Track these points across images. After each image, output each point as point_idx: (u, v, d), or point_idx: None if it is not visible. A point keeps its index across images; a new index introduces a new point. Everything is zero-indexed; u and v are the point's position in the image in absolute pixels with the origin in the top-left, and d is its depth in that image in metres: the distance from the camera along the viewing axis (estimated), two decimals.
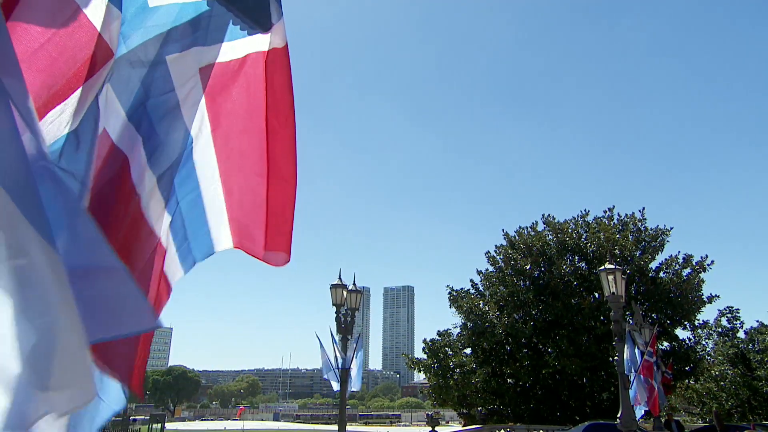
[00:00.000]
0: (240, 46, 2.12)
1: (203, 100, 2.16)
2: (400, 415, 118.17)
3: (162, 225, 2.21)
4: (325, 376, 15.57)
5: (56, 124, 1.62)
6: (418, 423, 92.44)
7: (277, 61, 2.18)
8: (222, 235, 2.46)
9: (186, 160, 2.23)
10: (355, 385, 15.95)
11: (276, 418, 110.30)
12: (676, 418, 25.60)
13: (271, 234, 2.31)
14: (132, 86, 1.95)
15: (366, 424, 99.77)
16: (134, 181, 1.99)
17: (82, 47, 1.68)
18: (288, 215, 2.31)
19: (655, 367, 16.21)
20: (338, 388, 15.11)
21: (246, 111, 2.24)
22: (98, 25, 1.70)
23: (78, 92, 1.66)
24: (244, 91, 2.23)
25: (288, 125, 2.25)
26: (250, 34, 2.05)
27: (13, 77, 1.13)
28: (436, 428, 28.75)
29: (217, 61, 2.12)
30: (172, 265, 2.42)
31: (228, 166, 2.32)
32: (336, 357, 15.08)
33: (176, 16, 1.96)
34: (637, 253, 30.03)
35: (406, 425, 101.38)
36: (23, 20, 1.50)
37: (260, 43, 2.12)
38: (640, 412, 14.71)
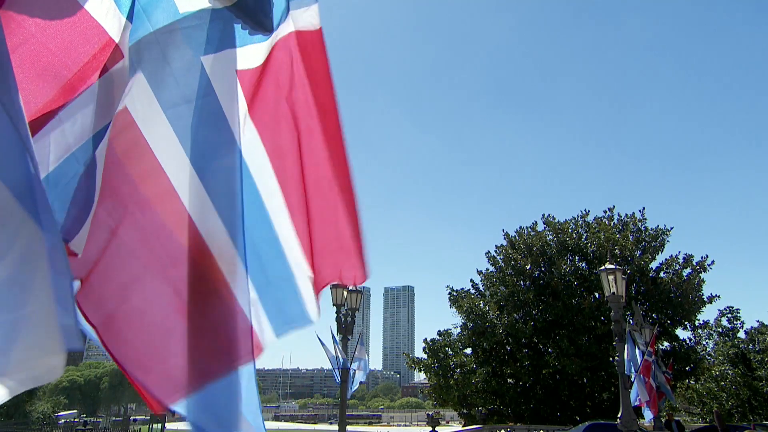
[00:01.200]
0: (249, 51, 2.09)
1: (246, 112, 2.08)
2: (380, 416, 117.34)
3: (230, 261, 1.95)
4: (338, 381, 15.55)
5: (77, 126, 1.62)
6: (419, 423, 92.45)
7: (308, 49, 2.12)
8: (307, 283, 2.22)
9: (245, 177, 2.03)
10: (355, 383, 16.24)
11: (276, 418, 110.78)
12: (676, 418, 25.60)
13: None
14: (168, 89, 1.91)
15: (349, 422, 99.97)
16: (185, 205, 1.90)
17: (85, 43, 1.67)
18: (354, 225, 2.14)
19: (653, 366, 16.20)
20: (355, 386, 15.59)
21: (290, 115, 2.14)
22: (103, 23, 1.70)
23: (91, 91, 1.65)
24: (278, 94, 2.14)
25: (329, 120, 2.10)
26: (251, 35, 2.05)
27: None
28: (437, 428, 28.73)
29: (251, 66, 2.08)
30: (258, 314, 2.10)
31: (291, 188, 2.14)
32: (337, 357, 15.09)
33: (201, 19, 1.96)
34: (638, 253, 30.01)
35: (406, 425, 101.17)
36: (14, 10, 1.48)
37: (265, 47, 2.10)
38: (648, 413, 14.69)
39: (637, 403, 14.19)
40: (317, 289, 2.25)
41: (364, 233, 2.16)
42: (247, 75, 2.08)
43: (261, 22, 2.03)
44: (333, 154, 2.12)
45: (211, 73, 1.95)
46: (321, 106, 2.11)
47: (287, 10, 2.12)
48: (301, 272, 2.21)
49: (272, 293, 2.17)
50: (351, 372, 15.51)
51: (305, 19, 2.13)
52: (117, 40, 1.69)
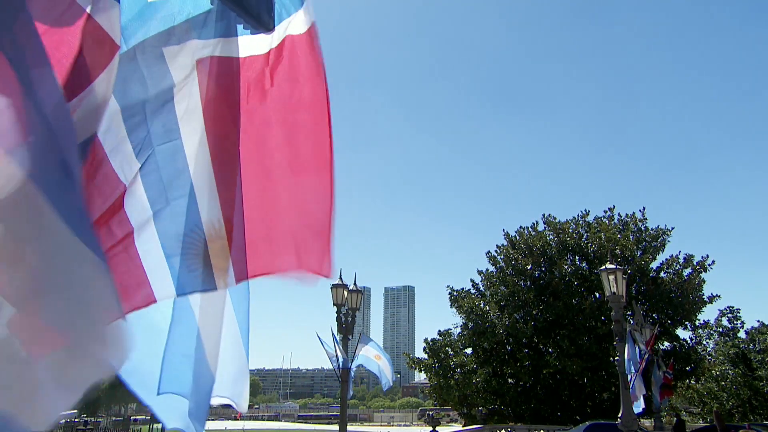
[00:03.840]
0: (244, 43, 2.10)
1: (198, 95, 2.08)
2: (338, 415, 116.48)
3: (142, 220, 2.08)
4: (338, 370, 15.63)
5: (82, 122, 1.62)
6: (419, 423, 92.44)
7: (299, 48, 2.13)
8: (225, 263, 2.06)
9: (176, 155, 2.08)
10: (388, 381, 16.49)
11: (276, 418, 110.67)
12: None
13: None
14: (130, 82, 1.95)
15: (306, 422, 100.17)
16: (116, 172, 2.01)
17: (83, 39, 1.66)
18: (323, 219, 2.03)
19: (644, 363, 16.16)
20: (387, 381, 15.81)
21: (266, 109, 2.15)
22: (99, 19, 1.69)
23: (92, 88, 1.65)
24: (250, 90, 2.15)
25: (319, 116, 2.10)
26: (253, 33, 2.05)
27: (42, 67, 1.13)
28: (437, 428, 28.73)
29: (216, 54, 2.06)
30: (159, 273, 2.08)
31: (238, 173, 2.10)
32: (337, 356, 15.09)
33: (177, 12, 1.97)
34: (638, 253, 30.01)
35: (406, 425, 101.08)
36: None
37: (265, 42, 2.11)
38: (637, 408, 14.71)
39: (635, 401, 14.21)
40: (265, 270, 2.15)
41: (334, 228, 2.06)
42: (210, 63, 2.08)
43: (263, 21, 2.03)
44: (317, 149, 2.10)
45: (171, 64, 1.97)
46: (309, 103, 2.11)
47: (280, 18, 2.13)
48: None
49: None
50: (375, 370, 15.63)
51: (294, 25, 2.15)
52: (112, 36, 1.69)
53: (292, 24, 2.15)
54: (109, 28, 1.69)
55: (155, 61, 1.98)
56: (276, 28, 2.11)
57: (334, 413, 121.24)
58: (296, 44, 2.14)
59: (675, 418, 22.82)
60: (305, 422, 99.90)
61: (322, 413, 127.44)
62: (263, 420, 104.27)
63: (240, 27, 2.03)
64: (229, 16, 1.99)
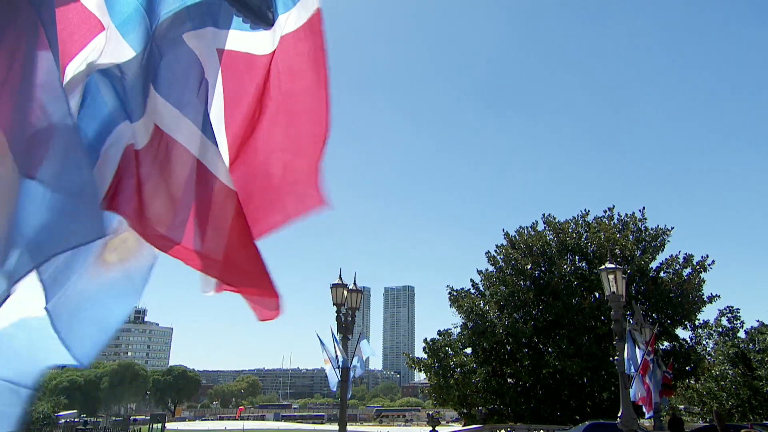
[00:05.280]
0: (247, 39, 2.09)
1: (220, 85, 2.12)
2: (323, 415, 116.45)
3: None
4: (331, 384, 15.65)
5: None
6: (419, 423, 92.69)
7: (299, 43, 2.15)
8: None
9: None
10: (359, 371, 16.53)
11: (277, 418, 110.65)
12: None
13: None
14: (172, 74, 1.89)
15: (288, 422, 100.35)
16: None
17: (66, 18, 1.64)
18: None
19: (651, 365, 16.19)
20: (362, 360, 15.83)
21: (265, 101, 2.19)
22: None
23: (71, 64, 1.63)
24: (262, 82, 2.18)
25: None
26: (252, 29, 2.04)
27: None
28: (437, 428, 28.70)
29: (228, 48, 2.08)
30: None
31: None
32: (337, 356, 15.09)
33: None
34: (638, 253, 30.00)
35: (407, 425, 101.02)
36: None
37: (267, 39, 2.09)
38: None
39: (634, 400, 14.23)
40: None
41: (322, 167, 2.28)
42: (231, 56, 2.09)
43: (262, 15, 2.01)
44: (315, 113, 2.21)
45: (196, 49, 1.94)
46: (308, 90, 2.20)
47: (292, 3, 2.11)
48: None
49: None
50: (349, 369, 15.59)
51: (307, 7, 2.13)
52: (91, 9, 1.68)
53: (290, 20, 2.13)
54: (94, 7, 1.67)
55: (181, 51, 1.91)
56: (275, 24, 2.09)
57: (318, 413, 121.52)
58: (295, 40, 2.14)
59: (671, 415, 22.70)
60: (292, 422, 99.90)
61: (306, 413, 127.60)
62: (250, 420, 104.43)
63: (240, 20, 2.02)
64: (229, 9, 1.98)
